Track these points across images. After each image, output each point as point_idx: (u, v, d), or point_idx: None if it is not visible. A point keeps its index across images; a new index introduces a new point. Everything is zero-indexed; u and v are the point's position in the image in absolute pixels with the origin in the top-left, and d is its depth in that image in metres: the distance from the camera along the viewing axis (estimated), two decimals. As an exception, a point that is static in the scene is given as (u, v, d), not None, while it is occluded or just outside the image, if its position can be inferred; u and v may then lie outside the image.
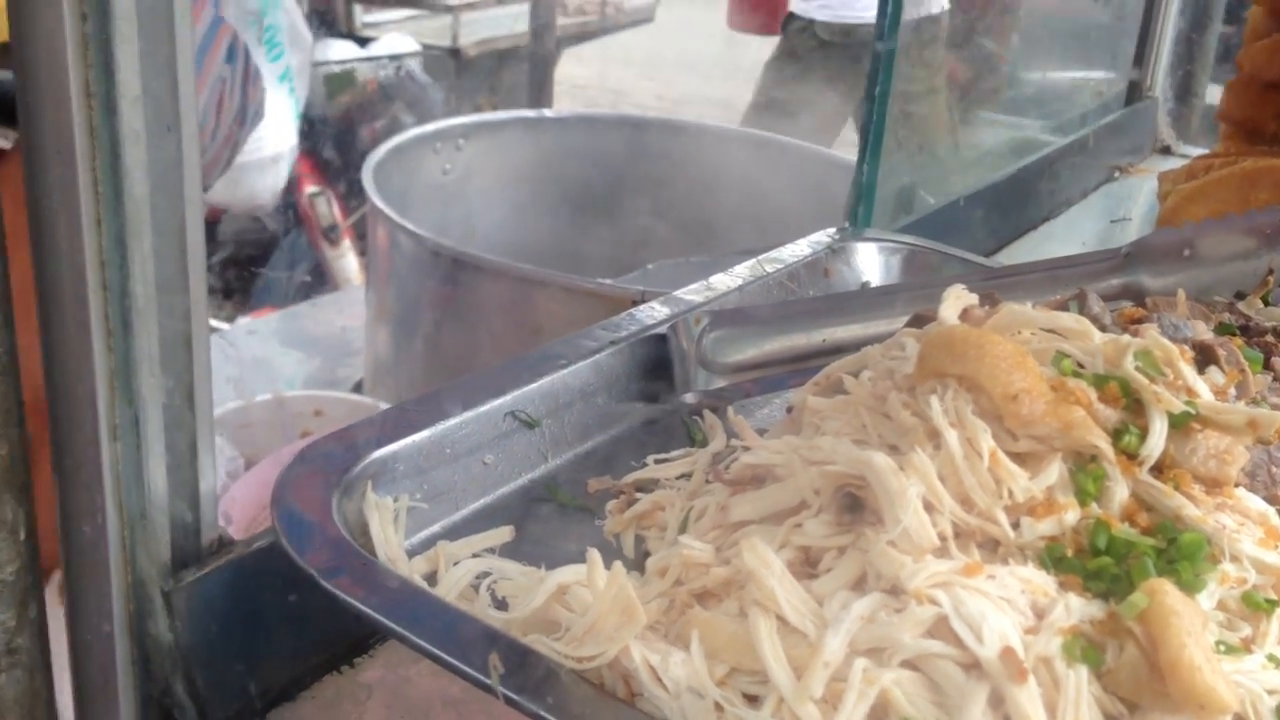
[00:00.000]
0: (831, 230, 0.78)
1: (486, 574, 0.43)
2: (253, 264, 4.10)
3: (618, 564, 0.37)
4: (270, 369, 1.78)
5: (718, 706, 0.35)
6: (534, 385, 0.53)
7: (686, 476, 0.51)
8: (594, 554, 0.38)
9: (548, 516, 0.50)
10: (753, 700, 0.35)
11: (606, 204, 1.78)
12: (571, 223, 1.79)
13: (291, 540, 0.40)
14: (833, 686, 0.34)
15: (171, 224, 0.35)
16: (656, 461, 0.53)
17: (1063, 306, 0.51)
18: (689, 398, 0.59)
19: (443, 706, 0.44)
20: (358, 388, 1.62)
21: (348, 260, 3.63)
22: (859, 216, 0.82)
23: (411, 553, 0.44)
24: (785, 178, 1.65)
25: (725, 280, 0.67)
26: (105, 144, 0.33)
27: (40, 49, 0.32)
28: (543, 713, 0.35)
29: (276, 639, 0.42)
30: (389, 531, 0.44)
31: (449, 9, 4.48)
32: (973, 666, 0.34)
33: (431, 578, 0.43)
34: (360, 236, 3.67)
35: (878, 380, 0.44)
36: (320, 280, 3.44)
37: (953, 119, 1.16)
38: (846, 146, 2.04)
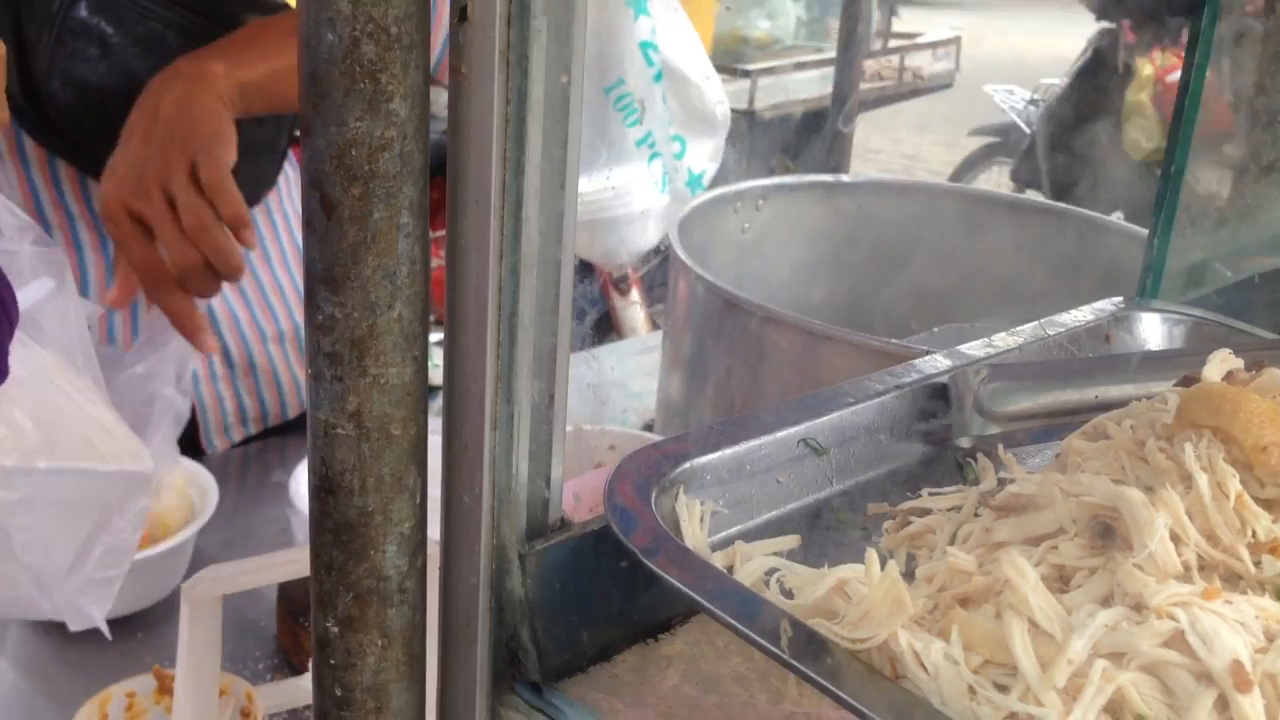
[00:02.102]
0: (1118, 299, 0.82)
1: (775, 570, 0.50)
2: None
3: (892, 562, 0.43)
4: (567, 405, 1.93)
5: (971, 689, 0.41)
6: (824, 419, 0.60)
7: (957, 509, 0.57)
8: (872, 552, 0.45)
9: (829, 531, 0.57)
10: (1001, 689, 0.41)
11: (895, 267, 1.84)
12: (860, 284, 1.85)
13: (620, 525, 0.48)
14: (1074, 681, 0.40)
15: (552, 261, 0.45)
16: (930, 494, 0.59)
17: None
18: (964, 442, 0.65)
19: (731, 680, 0.51)
20: (647, 428, 1.73)
21: (634, 310, 3.79)
22: (1147, 288, 0.85)
23: (713, 549, 0.52)
24: (1073, 246, 1.65)
25: (1006, 339, 0.72)
26: (512, 197, 0.43)
27: (473, 124, 0.42)
28: (820, 679, 0.42)
29: (601, 607, 0.51)
30: (696, 528, 0.52)
31: (747, 74, 4.64)
32: (1203, 676, 0.39)
33: (729, 570, 0.50)
34: (648, 288, 3.83)
35: (1139, 428, 0.49)
36: (607, 328, 3.62)
37: (1254, 194, 1.16)
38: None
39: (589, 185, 2.74)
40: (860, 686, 0.42)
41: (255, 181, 1.48)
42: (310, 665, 0.51)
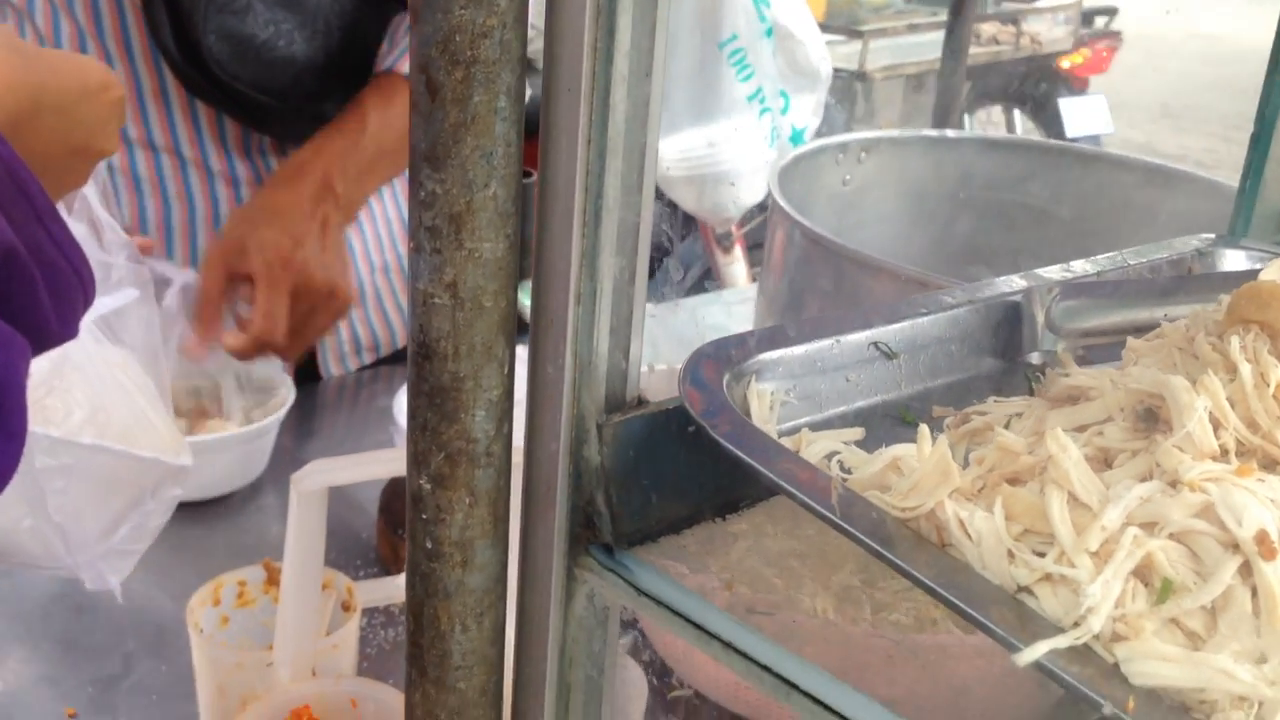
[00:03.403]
0: (1207, 235, 0.83)
1: (835, 452, 0.53)
2: (651, 262, 4.33)
3: (942, 436, 0.46)
4: (656, 348, 1.97)
5: (1010, 554, 0.43)
6: (897, 325, 0.63)
7: (1019, 415, 0.60)
8: (924, 428, 0.48)
9: (893, 429, 0.60)
10: (1039, 556, 0.44)
11: (994, 224, 1.83)
12: (959, 241, 1.85)
13: (694, 404, 0.52)
14: (1106, 547, 0.42)
15: (636, 145, 0.49)
16: (996, 402, 0.61)
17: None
18: (1034, 358, 0.67)
19: (792, 557, 0.55)
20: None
21: (737, 267, 3.81)
22: (1237, 227, 0.86)
23: (780, 435, 0.55)
24: (1185, 206, 1.63)
25: (1084, 265, 0.74)
26: (601, 84, 0.47)
27: (566, 13, 0.46)
28: (872, 544, 0.45)
29: (672, 482, 0.55)
30: (765, 413, 0.55)
31: (859, 34, 4.60)
32: (1230, 545, 0.41)
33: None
34: (751, 247, 3.84)
35: (1192, 326, 0.51)
36: (709, 283, 3.63)
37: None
38: None
39: (702, 139, 2.77)
40: (908, 551, 0.45)
41: None
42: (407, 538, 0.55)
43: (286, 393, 1.38)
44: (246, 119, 1.44)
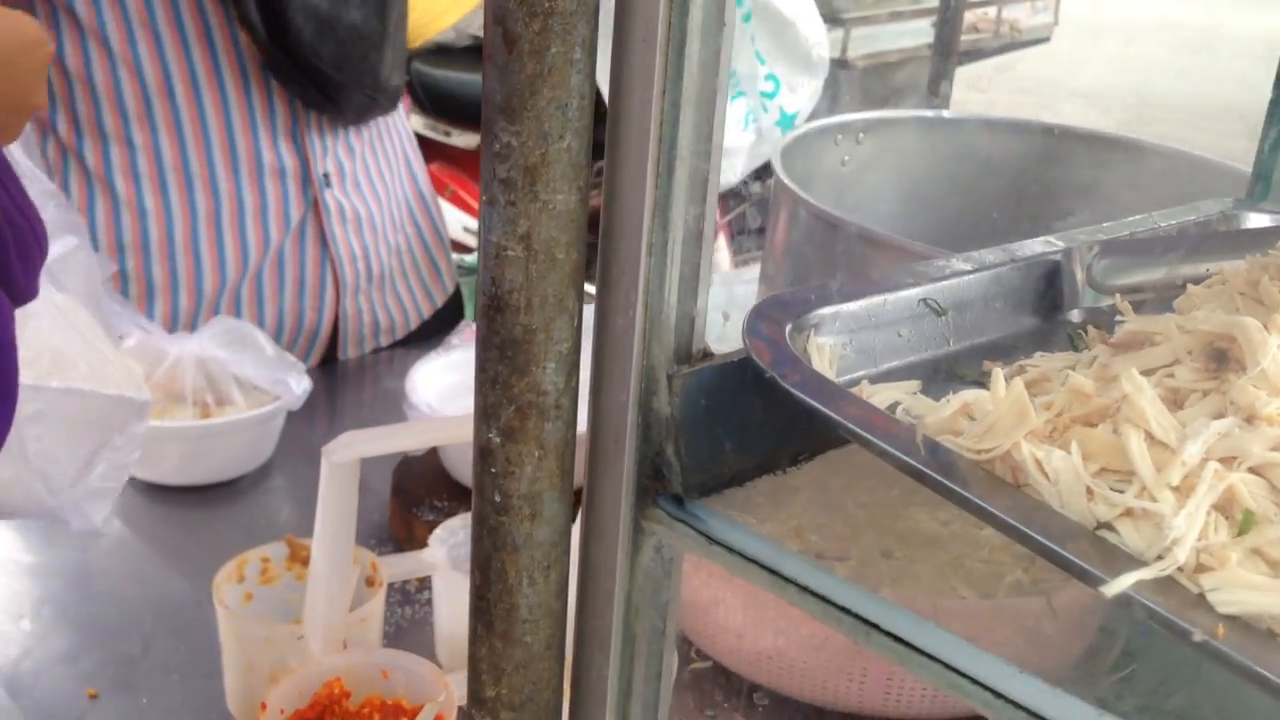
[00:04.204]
0: (1227, 199, 0.84)
1: (898, 402, 0.54)
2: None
3: (1017, 379, 0.47)
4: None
5: (1089, 491, 0.44)
6: (944, 283, 0.64)
7: (1069, 369, 0.60)
8: (997, 371, 0.48)
9: (946, 383, 0.60)
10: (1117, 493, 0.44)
11: (993, 203, 1.85)
12: (958, 221, 1.86)
13: (762, 356, 0.53)
14: (1186, 482, 0.43)
15: (709, 93, 0.49)
16: (1041, 356, 0.62)
17: None
18: (1075, 315, 0.68)
19: (856, 506, 0.55)
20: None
21: (720, 256, 3.82)
22: (1255, 191, 0.87)
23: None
24: (1186, 186, 1.65)
25: (1116, 227, 0.75)
26: (677, 35, 0.47)
27: (643, -35, 0.46)
28: (950, 485, 0.46)
29: (738, 433, 0.55)
30: (825, 366, 0.56)
31: (841, 22, 4.61)
32: (1311, 476, 0.42)
33: (856, 405, 0.54)
34: (733, 235, 3.85)
35: (1252, 270, 0.52)
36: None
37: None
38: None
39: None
40: (985, 492, 0.46)
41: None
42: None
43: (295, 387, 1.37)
44: (317, 97, 1.46)
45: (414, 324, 1.74)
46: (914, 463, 0.46)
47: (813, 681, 1.02)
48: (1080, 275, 0.67)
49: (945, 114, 2.02)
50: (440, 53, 3.51)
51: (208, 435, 1.33)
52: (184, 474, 1.35)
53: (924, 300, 0.62)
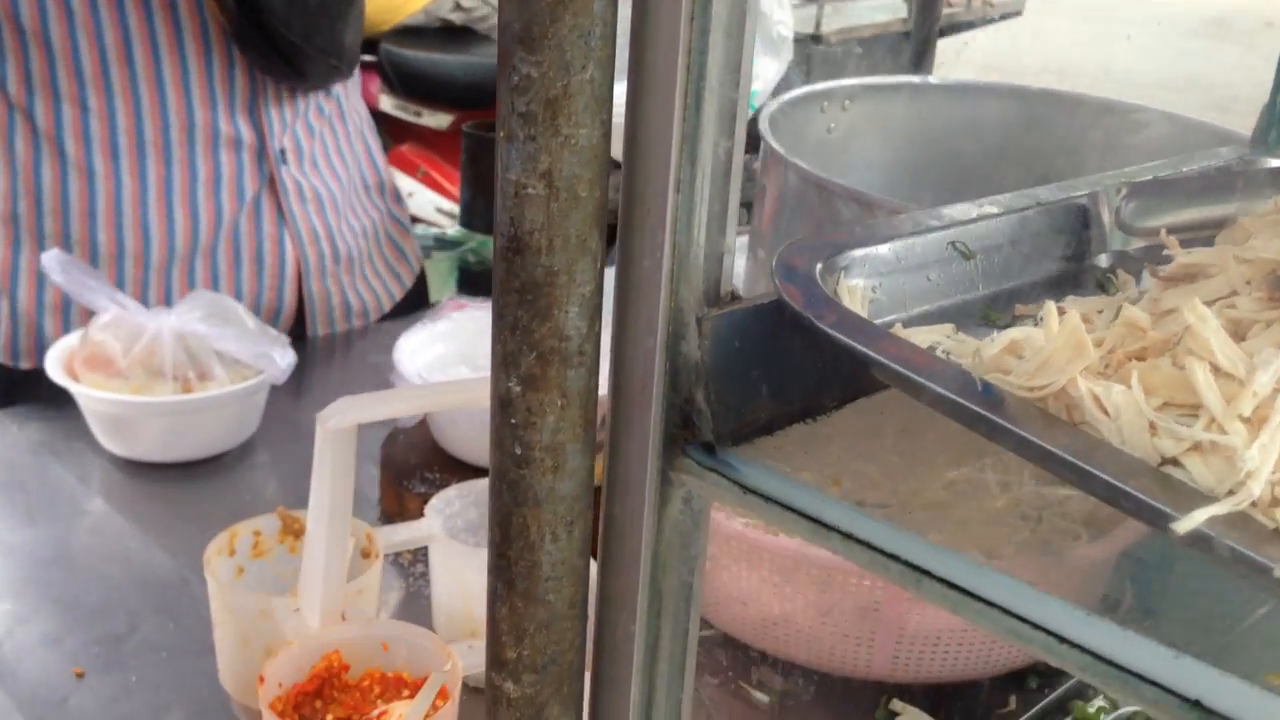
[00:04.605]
0: (1242, 147, 0.82)
1: (937, 344, 0.52)
2: (614, 229, 4.35)
3: (1073, 311, 0.45)
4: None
5: (1152, 426, 0.42)
6: (972, 225, 0.61)
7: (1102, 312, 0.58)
8: (1050, 304, 0.46)
9: (974, 329, 0.58)
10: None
11: (979, 171, 1.83)
12: (943, 186, 1.84)
13: (795, 299, 0.50)
14: (1258, 414, 0.41)
15: (736, 21, 0.47)
16: (1073, 299, 0.60)
17: None
18: (1103, 260, 0.66)
19: (890, 453, 0.53)
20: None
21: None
22: (1270, 139, 0.85)
23: (872, 332, 0.54)
24: (1175, 149, 1.63)
25: (1138, 172, 0.73)
26: (706, -44, 0.45)
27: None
28: (1002, 422, 0.43)
29: (769, 379, 0.53)
30: (858, 309, 0.53)
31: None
32: (1388, 404, 0.40)
33: (890, 349, 0.52)
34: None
35: (1309, 200, 0.50)
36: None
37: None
38: None
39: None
40: (1041, 430, 0.43)
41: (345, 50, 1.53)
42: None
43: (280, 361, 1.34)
44: (281, 66, 1.43)
45: (386, 307, 1.72)
46: (967, 402, 0.44)
47: (819, 648, 1.00)
48: (1108, 218, 0.65)
49: (931, 80, 2.00)
50: (410, 33, 3.47)
51: (190, 410, 1.30)
52: (166, 450, 1.32)
53: (952, 243, 0.60)
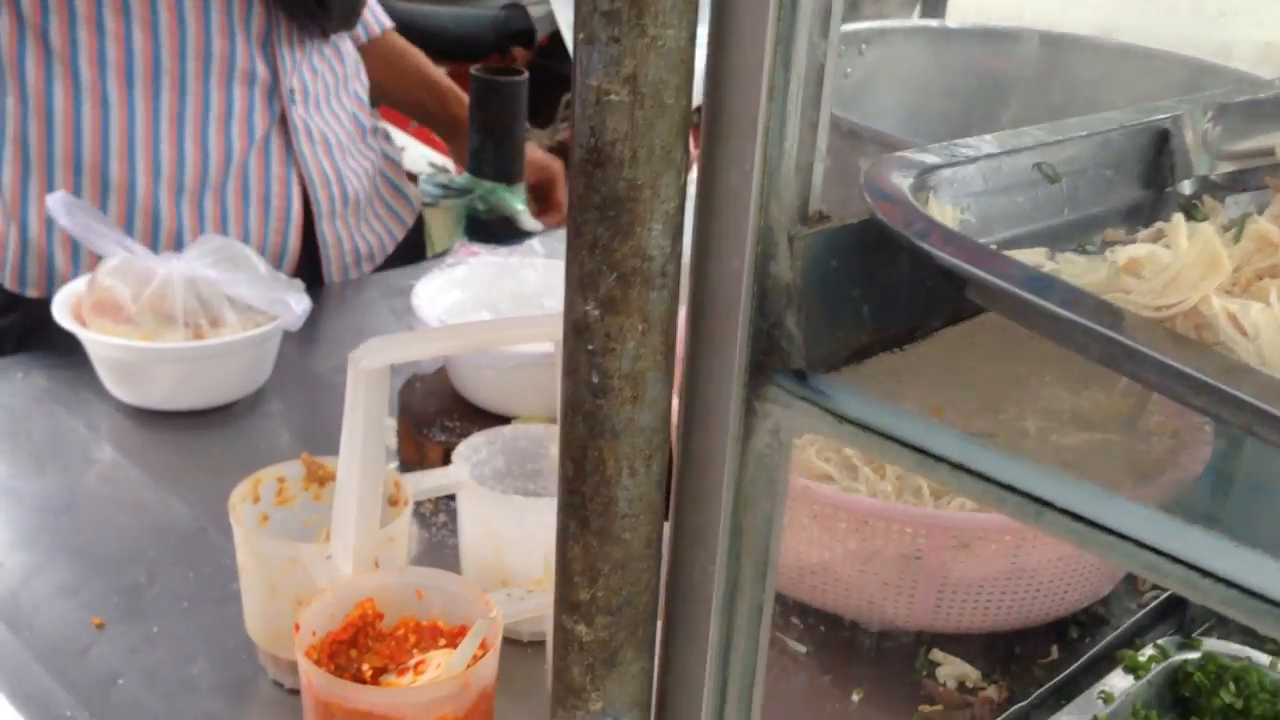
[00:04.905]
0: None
1: (1040, 265, 0.49)
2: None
3: (1206, 223, 0.42)
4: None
5: (1295, 345, 0.39)
6: (1058, 147, 0.58)
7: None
8: (1178, 217, 0.43)
9: (1068, 253, 0.55)
10: (1326, 347, 0.40)
11: (998, 113, 1.79)
12: (961, 130, 1.81)
13: (891, 217, 0.47)
14: None
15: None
16: (1161, 226, 0.57)
17: None
18: (1186, 186, 0.63)
19: (987, 382, 0.50)
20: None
21: (692, 188, 3.77)
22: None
23: (964, 255, 0.50)
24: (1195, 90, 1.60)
25: (1211, 98, 0.70)
26: None
27: None
28: (1131, 344, 0.40)
29: (859, 302, 0.50)
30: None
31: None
32: None
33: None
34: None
35: None
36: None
37: None
38: None
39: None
40: (1174, 353, 0.40)
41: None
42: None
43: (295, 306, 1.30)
44: (311, 3, 1.41)
45: (389, 248, 1.69)
46: (1093, 325, 0.41)
47: (859, 597, 0.98)
48: (1192, 141, 0.62)
49: (950, 24, 1.96)
50: (402, -16, 3.42)
51: (202, 357, 1.26)
52: (176, 398, 1.28)
53: (1038, 165, 0.57)
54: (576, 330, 0.48)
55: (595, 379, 0.48)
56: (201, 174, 1.44)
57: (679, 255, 0.48)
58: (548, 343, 0.86)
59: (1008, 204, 0.55)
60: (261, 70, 1.45)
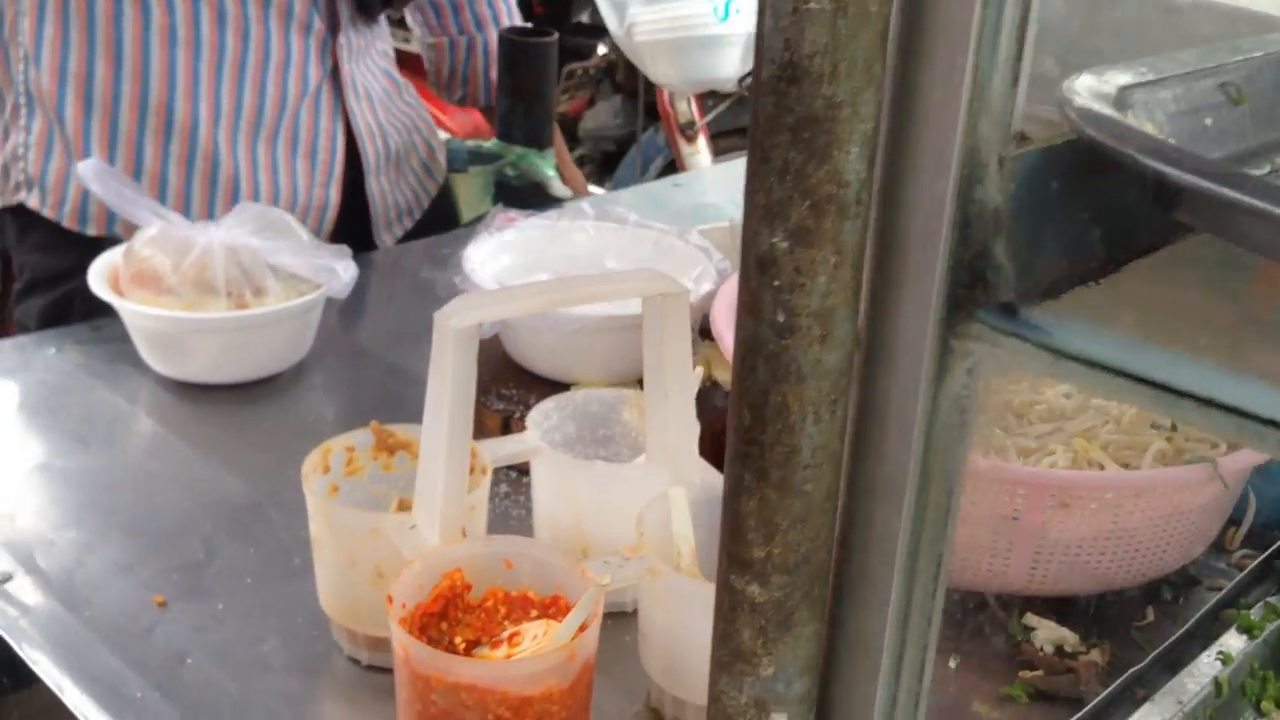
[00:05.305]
0: None
1: (1262, 188, 0.45)
2: (613, 155, 4.26)
3: None
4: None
5: None
6: (1235, 64, 0.54)
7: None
8: None
9: (1267, 177, 0.51)
10: None
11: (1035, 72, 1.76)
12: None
13: (1108, 135, 0.43)
14: None
15: None
16: (1354, 153, 0.54)
17: None
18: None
19: (1207, 315, 0.47)
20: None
21: (701, 157, 3.72)
22: None
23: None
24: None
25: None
26: None
27: None
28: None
29: (1066, 232, 0.46)
30: (1154, 151, 0.46)
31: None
32: None
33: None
34: (714, 136, 3.74)
35: None
36: (673, 173, 3.56)
37: None
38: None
39: (687, 8, 2.65)
40: None
41: None
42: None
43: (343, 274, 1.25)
44: None
45: (425, 204, 1.67)
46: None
47: (952, 559, 0.94)
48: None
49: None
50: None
51: (245, 327, 1.22)
52: (217, 371, 1.24)
53: (1223, 85, 0.53)
54: (761, 265, 0.44)
55: (781, 317, 0.44)
56: (256, 120, 1.42)
57: (873, 182, 0.44)
58: (635, 299, 0.82)
59: (1198, 126, 0.52)
60: (318, 21, 1.43)
